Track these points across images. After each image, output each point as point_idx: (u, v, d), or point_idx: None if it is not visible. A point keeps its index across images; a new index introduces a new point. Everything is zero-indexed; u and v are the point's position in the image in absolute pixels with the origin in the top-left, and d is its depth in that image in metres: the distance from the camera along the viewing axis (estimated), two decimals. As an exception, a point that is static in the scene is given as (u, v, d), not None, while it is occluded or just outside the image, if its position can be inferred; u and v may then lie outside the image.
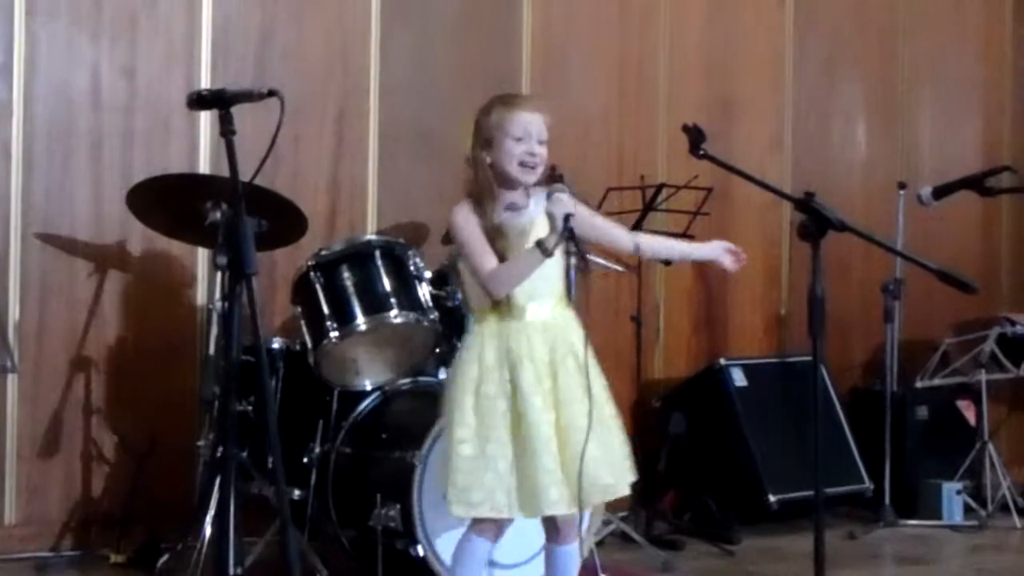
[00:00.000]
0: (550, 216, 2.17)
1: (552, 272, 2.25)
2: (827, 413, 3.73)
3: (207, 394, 2.78)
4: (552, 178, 2.27)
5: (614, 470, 2.22)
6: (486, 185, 2.22)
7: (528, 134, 2.21)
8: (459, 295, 2.87)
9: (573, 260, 2.27)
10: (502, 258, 2.19)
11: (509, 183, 2.23)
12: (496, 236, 2.20)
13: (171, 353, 3.28)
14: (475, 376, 2.20)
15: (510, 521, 2.25)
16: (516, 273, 2.19)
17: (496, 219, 2.21)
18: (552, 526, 2.26)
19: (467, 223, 2.21)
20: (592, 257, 3.48)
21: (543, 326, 2.23)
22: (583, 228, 2.22)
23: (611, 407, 2.27)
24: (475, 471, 2.16)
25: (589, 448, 2.16)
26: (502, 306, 2.22)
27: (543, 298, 2.25)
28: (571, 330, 2.26)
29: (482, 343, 2.22)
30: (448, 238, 3.21)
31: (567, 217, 2.14)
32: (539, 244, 2.16)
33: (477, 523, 2.24)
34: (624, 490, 2.27)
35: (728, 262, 2.39)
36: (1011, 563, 3.42)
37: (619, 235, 2.38)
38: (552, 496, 2.15)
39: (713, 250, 2.40)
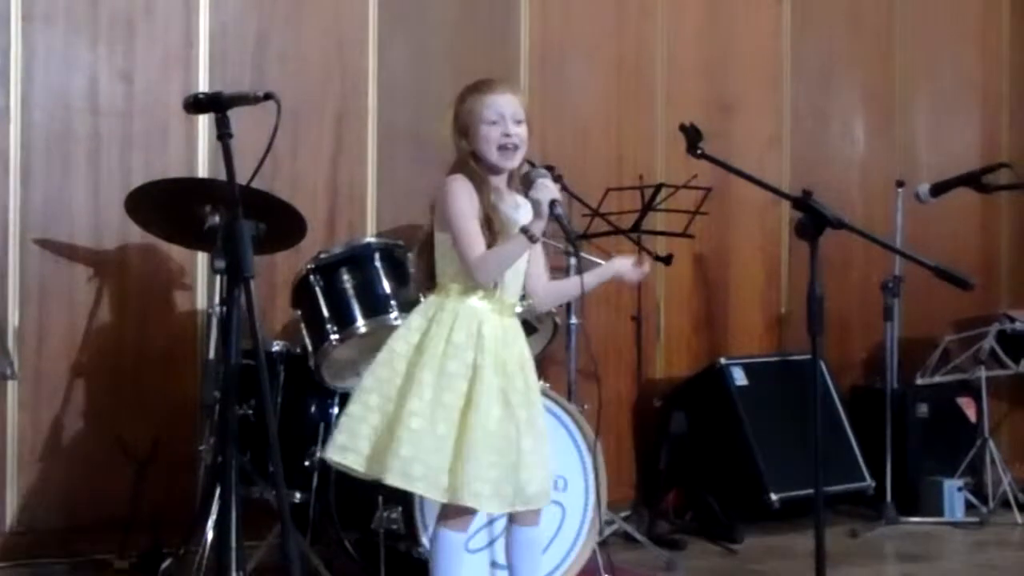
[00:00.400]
0: (534, 202, 2.15)
1: (522, 268, 2.24)
2: (828, 411, 3.73)
3: (208, 398, 2.78)
4: (531, 165, 2.24)
5: (540, 482, 2.21)
6: (475, 173, 2.21)
7: (501, 116, 2.20)
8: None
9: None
10: (490, 246, 2.17)
11: (491, 168, 2.22)
12: (490, 222, 2.18)
13: (171, 358, 3.28)
14: (440, 353, 2.16)
15: (473, 512, 2.21)
16: (503, 260, 2.17)
17: (495, 203, 2.18)
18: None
19: (462, 198, 2.17)
20: (592, 257, 3.50)
21: (511, 322, 2.24)
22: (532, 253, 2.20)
23: (543, 429, 2.26)
24: (423, 447, 2.12)
25: (526, 457, 2.16)
26: (483, 290, 2.20)
27: (514, 295, 2.25)
28: (522, 336, 2.26)
29: (453, 320, 2.18)
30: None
31: (552, 203, 2.13)
32: (524, 230, 2.14)
33: (442, 515, 2.23)
34: (543, 502, 2.24)
35: (630, 274, 2.34)
36: (1013, 559, 3.42)
37: (538, 275, 2.32)
38: (477, 488, 2.13)
39: (609, 268, 2.35)
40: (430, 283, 2.27)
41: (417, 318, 2.24)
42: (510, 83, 2.31)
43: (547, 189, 2.14)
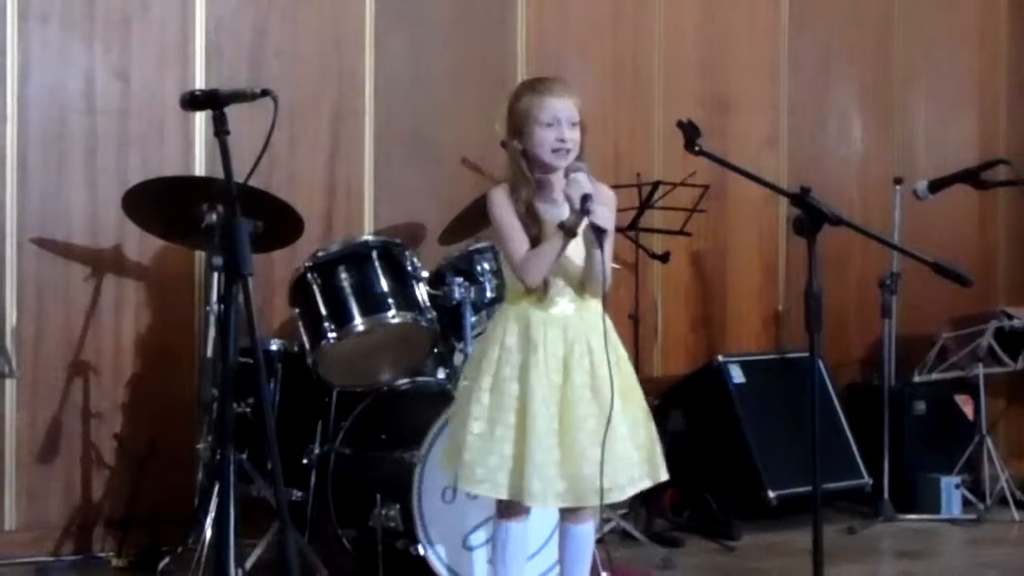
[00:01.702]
0: (568, 198, 2.17)
1: (573, 268, 2.26)
2: (825, 408, 3.73)
3: (206, 396, 2.78)
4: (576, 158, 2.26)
5: (610, 476, 2.19)
6: (519, 172, 2.24)
7: (557, 120, 2.21)
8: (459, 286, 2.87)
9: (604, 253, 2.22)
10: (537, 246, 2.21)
11: (544, 167, 2.25)
12: (533, 223, 2.21)
13: (169, 356, 3.28)
14: (495, 357, 2.23)
15: (528, 506, 2.26)
16: (543, 258, 2.20)
17: (536, 206, 2.22)
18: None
19: (501, 206, 2.23)
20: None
21: (565, 321, 2.24)
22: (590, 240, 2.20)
23: (631, 409, 2.25)
24: (482, 450, 2.20)
25: (589, 452, 2.17)
26: (534, 293, 2.24)
27: (567, 294, 2.26)
28: (594, 333, 2.24)
29: (506, 325, 2.25)
30: (446, 237, 3.22)
31: (585, 197, 2.14)
32: (560, 226, 2.18)
33: (498, 509, 2.29)
34: (618, 496, 2.24)
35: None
36: (1009, 556, 3.43)
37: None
38: (534, 488, 2.17)
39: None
40: (503, 287, 2.39)
41: (488, 328, 2.35)
42: (567, 85, 2.31)
43: (579, 185, 2.17)
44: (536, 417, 2.18)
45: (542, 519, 2.48)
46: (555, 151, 2.21)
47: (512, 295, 2.29)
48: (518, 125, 2.23)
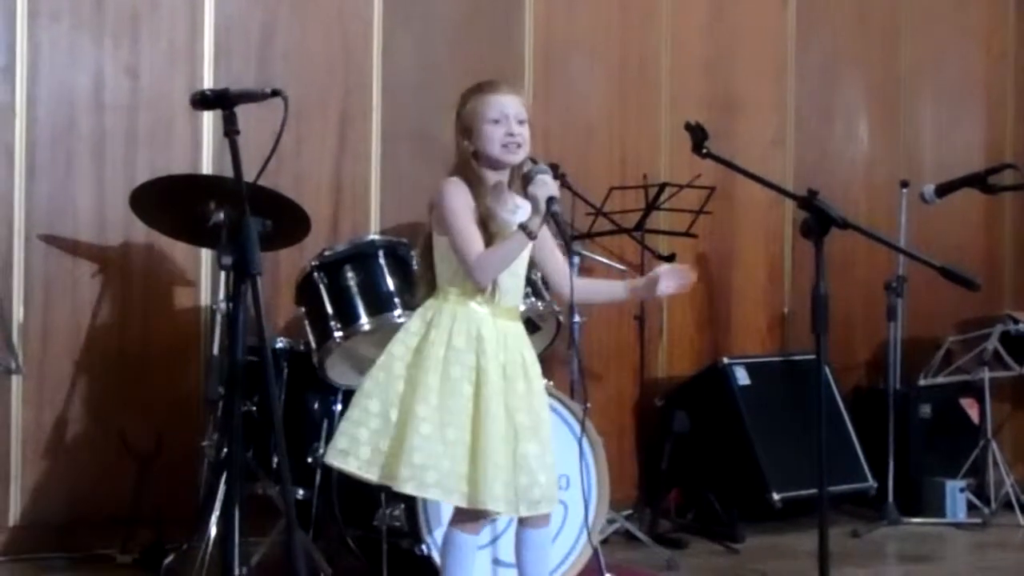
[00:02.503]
0: (532, 198, 2.15)
1: (521, 271, 2.25)
2: (830, 411, 3.73)
3: (212, 394, 2.78)
4: (532, 161, 2.24)
5: (545, 487, 2.21)
6: (473, 174, 2.22)
7: (505, 116, 2.21)
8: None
9: (575, 260, 2.25)
10: (488, 245, 2.17)
11: (494, 164, 2.23)
12: (486, 222, 2.18)
13: (175, 354, 3.28)
14: (441, 356, 2.17)
15: (485, 514, 2.22)
16: (501, 257, 2.17)
17: (491, 206, 2.19)
18: None
19: (458, 198, 2.18)
20: (596, 256, 3.50)
21: (508, 328, 2.24)
22: (542, 250, 2.21)
23: (548, 428, 2.27)
24: (434, 453, 2.13)
25: (531, 461, 2.17)
26: (486, 293, 2.20)
27: (513, 298, 2.26)
28: (525, 344, 2.26)
29: (451, 324, 2.19)
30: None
31: (550, 200, 2.13)
32: (522, 227, 2.15)
33: (455, 517, 2.24)
34: (548, 508, 2.25)
35: (667, 287, 2.33)
36: (1014, 561, 3.42)
37: (557, 270, 2.32)
38: (496, 491, 2.14)
39: (648, 285, 2.33)
40: (432, 287, 2.28)
41: (415, 322, 2.25)
42: (513, 84, 2.32)
43: (545, 186, 2.15)
44: (495, 420, 2.15)
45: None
46: (504, 146, 2.19)
47: (454, 293, 2.21)
48: (467, 126, 2.22)
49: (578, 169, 3.48)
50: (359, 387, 2.26)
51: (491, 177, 2.23)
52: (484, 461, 2.14)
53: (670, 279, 2.33)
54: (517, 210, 2.23)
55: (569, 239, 2.15)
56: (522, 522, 2.28)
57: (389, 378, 2.20)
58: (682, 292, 2.37)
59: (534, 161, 2.24)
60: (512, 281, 2.24)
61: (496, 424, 2.16)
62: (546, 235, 2.24)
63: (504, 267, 2.19)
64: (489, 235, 2.18)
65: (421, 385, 2.16)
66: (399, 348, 2.23)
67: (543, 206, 2.12)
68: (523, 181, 2.20)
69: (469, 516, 2.22)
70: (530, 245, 2.18)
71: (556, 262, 2.33)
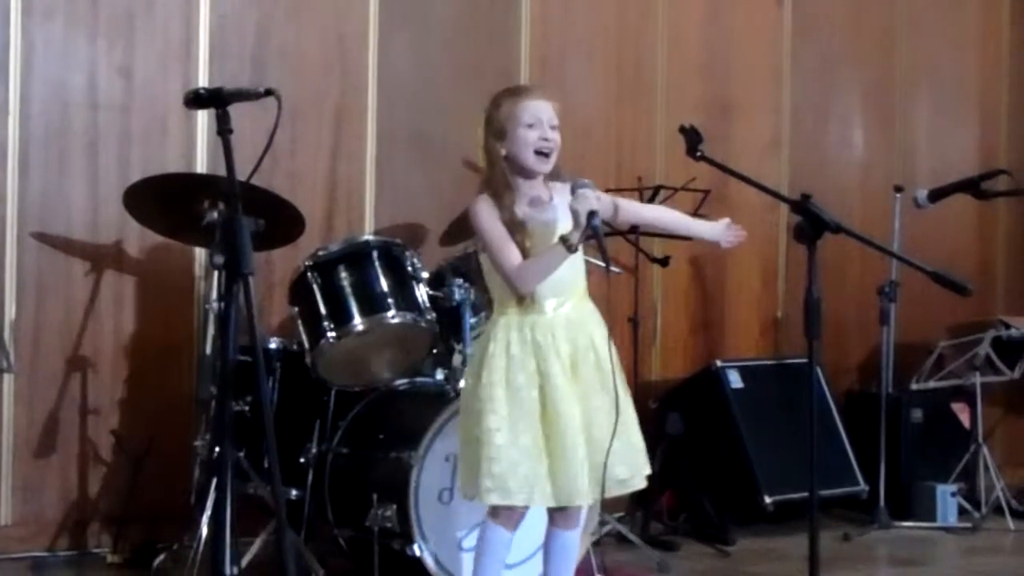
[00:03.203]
0: (574, 212, 2.18)
1: (573, 268, 2.26)
2: (823, 415, 3.73)
3: (204, 394, 2.78)
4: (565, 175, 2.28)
5: (630, 465, 2.27)
6: (502, 178, 2.25)
7: (539, 120, 2.23)
8: (456, 289, 2.87)
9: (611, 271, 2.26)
10: (524, 253, 2.21)
11: (526, 173, 2.25)
12: (517, 230, 2.22)
13: (168, 353, 3.28)
14: (503, 367, 2.22)
15: (524, 510, 2.28)
16: (541, 269, 2.21)
17: (519, 213, 2.23)
18: (560, 512, 2.30)
19: (488, 216, 2.23)
20: (589, 258, 3.50)
21: (565, 321, 2.26)
22: (626, 216, 2.30)
23: (630, 402, 2.31)
24: (511, 460, 2.19)
25: (612, 444, 2.20)
26: (526, 300, 2.24)
27: (564, 294, 2.28)
28: (593, 325, 2.29)
29: (507, 335, 2.24)
30: (447, 238, 3.22)
31: (591, 214, 2.16)
32: (563, 240, 2.18)
33: (493, 513, 2.27)
34: (640, 483, 2.31)
35: (726, 239, 2.44)
36: (1004, 565, 3.43)
37: (642, 211, 2.48)
38: (581, 486, 2.19)
39: (713, 230, 2.45)
40: (482, 299, 2.42)
41: (478, 345, 2.33)
42: (547, 89, 2.35)
43: (587, 200, 2.17)
44: (566, 419, 2.19)
45: (528, 530, 2.46)
46: (538, 152, 2.23)
47: (502, 306, 2.28)
48: (500, 129, 2.24)
49: (573, 171, 3.43)
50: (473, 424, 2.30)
51: (521, 184, 2.25)
52: (564, 460, 2.19)
53: (731, 232, 2.42)
54: (550, 207, 2.25)
55: (607, 255, 2.18)
56: (553, 521, 2.32)
57: (468, 404, 2.29)
58: (735, 245, 2.45)
59: (578, 180, 2.25)
60: (565, 279, 2.25)
61: (570, 422, 2.20)
62: (616, 207, 2.32)
63: (544, 277, 2.23)
64: (519, 246, 2.21)
65: (488, 398, 2.22)
66: (468, 370, 2.34)
67: (584, 220, 2.16)
68: (570, 193, 2.22)
69: (507, 513, 2.25)
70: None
71: (634, 212, 2.42)
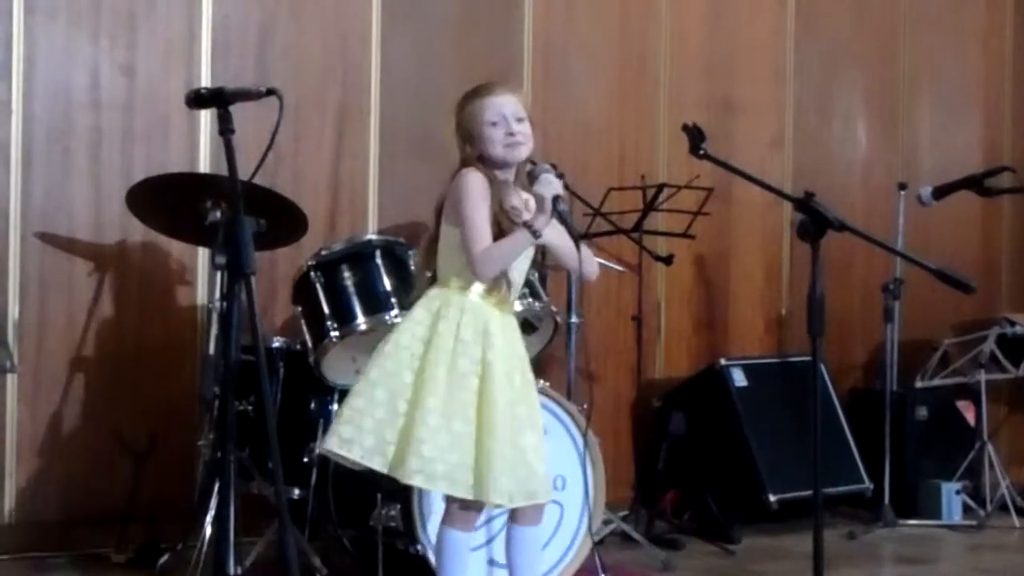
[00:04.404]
0: (538, 197, 2.16)
1: (522, 276, 2.27)
2: (827, 413, 3.73)
3: (207, 394, 2.78)
4: (532, 162, 2.26)
5: (543, 479, 2.23)
6: (485, 173, 2.22)
7: (502, 116, 2.21)
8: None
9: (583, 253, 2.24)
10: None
11: (500, 165, 2.24)
12: (502, 219, 2.19)
13: (171, 353, 3.28)
14: (450, 349, 2.17)
15: (479, 510, 2.23)
16: (505, 253, 2.18)
17: (507, 203, 2.20)
18: (517, 508, 2.25)
19: (477, 191, 2.18)
20: (596, 258, 3.49)
21: (511, 321, 2.26)
22: (552, 228, 2.21)
23: (541, 424, 2.28)
24: (440, 444, 2.14)
25: (531, 452, 2.19)
26: (498, 289, 2.21)
27: (515, 296, 2.28)
28: (518, 334, 2.28)
29: (460, 317, 2.19)
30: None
31: (555, 198, 2.14)
32: (527, 225, 2.15)
33: (448, 515, 2.24)
34: (546, 499, 2.26)
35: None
36: (1010, 563, 3.42)
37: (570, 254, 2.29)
38: (501, 484, 2.15)
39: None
40: (427, 270, 2.28)
41: (420, 311, 2.23)
42: (508, 83, 2.33)
43: (551, 184, 2.15)
44: (500, 414, 2.16)
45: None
46: (506, 145, 2.21)
47: (458, 285, 2.20)
48: (467, 132, 2.23)
49: (576, 169, 3.47)
50: (363, 375, 2.24)
51: (499, 176, 2.24)
52: (489, 454, 2.15)
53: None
54: (526, 205, 2.24)
55: (576, 235, 2.15)
56: (514, 519, 2.28)
57: (398, 367, 2.19)
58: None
59: (534, 163, 2.24)
60: (518, 276, 2.26)
61: (502, 418, 2.17)
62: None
63: (507, 263, 2.19)
64: (502, 232, 2.18)
65: (430, 378, 2.16)
66: (405, 336, 2.22)
67: (549, 205, 2.14)
68: (528, 180, 2.21)
69: (462, 513, 2.22)
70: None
71: (565, 240, 2.28)
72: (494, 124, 2.21)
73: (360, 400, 2.20)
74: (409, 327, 2.23)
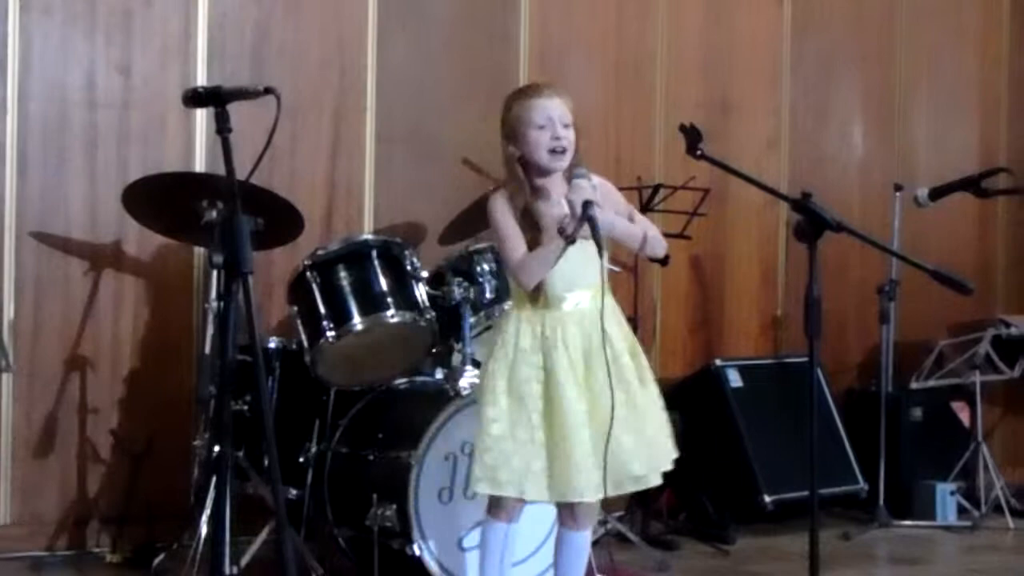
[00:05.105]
0: (569, 203, 2.18)
1: (584, 261, 2.24)
2: (822, 414, 3.73)
3: (203, 393, 2.77)
4: (575, 163, 2.28)
5: (643, 462, 2.25)
6: (517, 178, 2.26)
7: (550, 120, 2.23)
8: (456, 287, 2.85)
9: (605, 263, 2.25)
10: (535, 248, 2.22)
11: (541, 171, 2.26)
12: (528, 227, 2.22)
13: (167, 352, 3.27)
14: (509, 359, 2.24)
15: (521, 502, 2.27)
16: (540, 262, 2.21)
17: (532, 209, 2.23)
18: (568, 511, 2.30)
19: (502, 211, 2.24)
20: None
21: (580, 315, 2.26)
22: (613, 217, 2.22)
23: (651, 393, 2.29)
24: (504, 452, 2.20)
25: (622, 439, 2.20)
26: (539, 295, 2.25)
27: (581, 288, 2.27)
28: (610, 319, 2.27)
29: (518, 328, 2.26)
30: (446, 238, 3.22)
31: (587, 204, 2.15)
32: (560, 231, 2.18)
33: (493, 508, 2.28)
34: (655, 480, 2.30)
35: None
36: (1004, 563, 3.43)
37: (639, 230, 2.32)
38: (579, 483, 2.19)
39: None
40: (505, 293, 2.42)
41: (492, 335, 2.36)
42: (556, 87, 2.33)
43: (581, 190, 2.17)
44: (569, 415, 2.19)
45: (534, 525, 2.47)
46: (551, 151, 2.23)
47: (517, 300, 2.31)
48: (513, 132, 2.25)
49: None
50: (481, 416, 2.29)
51: (539, 182, 2.26)
52: (564, 456, 2.18)
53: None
54: (557, 205, 2.24)
55: (602, 243, 2.17)
56: (561, 521, 2.32)
57: (482, 396, 2.29)
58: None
59: (577, 165, 2.25)
60: (580, 273, 2.24)
61: (574, 418, 2.19)
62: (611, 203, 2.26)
63: (545, 270, 2.22)
64: (530, 239, 2.22)
65: (491, 390, 2.23)
66: (483, 365, 2.33)
67: (579, 210, 2.15)
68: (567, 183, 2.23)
69: (506, 504, 2.26)
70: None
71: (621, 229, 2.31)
72: (541, 127, 2.23)
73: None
74: (487, 357, 2.32)
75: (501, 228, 2.24)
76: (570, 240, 2.17)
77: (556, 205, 2.24)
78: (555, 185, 2.26)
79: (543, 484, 2.21)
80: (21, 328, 3.15)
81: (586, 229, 2.16)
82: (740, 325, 4.09)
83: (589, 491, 2.21)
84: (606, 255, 2.21)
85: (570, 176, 2.23)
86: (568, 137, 2.24)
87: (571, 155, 2.25)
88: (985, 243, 4.52)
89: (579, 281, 2.26)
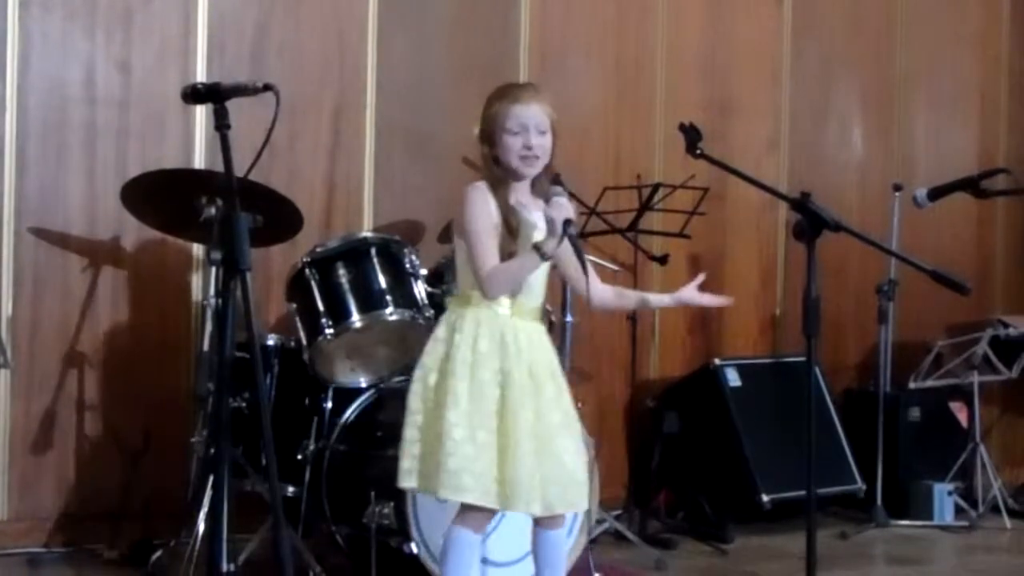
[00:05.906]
0: (548, 220, 2.16)
1: (544, 278, 2.26)
2: (820, 413, 3.74)
3: (201, 390, 2.77)
4: (554, 181, 2.25)
5: (580, 486, 2.24)
6: (494, 176, 2.23)
7: (524, 127, 2.20)
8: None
9: (590, 278, 2.24)
10: (507, 252, 2.18)
11: (513, 174, 2.24)
12: (511, 219, 2.19)
13: (165, 349, 3.27)
14: (469, 361, 2.18)
15: (493, 513, 2.24)
16: (513, 275, 2.19)
17: (513, 205, 2.20)
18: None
19: (479, 205, 2.18)
20: (588, 256, 3.50)
21: (533, 327, 2.25)
22: (563, 253, 2.20)
23: (573, 434, 2.26)
24: (467, 456, 2.15)
25: (571, 459, 2.19)
26: (510, 298, 2.21)
27: (537, 298, 2.27)
28: (546, 341, 2.28)
29: (476, 328, 2.20)
30: (445, 235, 3.21)
31: (567, 222, 2.14)
32: (536, 247, 2.16)
33: (461, 515, 2.24)
34: (582, 506, 2.27)
35: (706, 300, 2.37)
36: (1001, 564, 3.43)
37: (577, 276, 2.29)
38: (527, 493, 2.16)
39: (675, 298, 2.37)
40: (453, 286, 2.33)
41: (442, 328, 2.26)
42: (537, 91, 2.30)
43: (562, 208, 2.15)
44: (521, 424, 2.17)
45: (523, 529, 2.45)
46: (522, 158, 2.20)
47: (476, 296, 2.21)
48: (489, 131, 2.23)
49: (572, 169, 3.42)
50: (407, 405, 2.26)
51: (511, 185, 2.24)
52: (514, 464, 2.16)
53: (705, 298, 2.36)
54: (535, 214, 2.22)
55: (584, 261, 2.16)
56: (539, 522, 2.29)
57: (424, 389, 2.23)
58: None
59: (556, 180, 2.23)
60: (537, 282, 2.25)
61: (524, 427, 2.17)
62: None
63: (515, 284, 2.20)
64: (511, 233, 2.19)
65: (450, 391, 2.18)
66: (429, 358, 2.25)
67: (559, 228, 2.13)
68: (544, 200, 2.20)
69: (476, 514, 2.22)
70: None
71: (576, 266, 2.28)
72: (515, 133, 2.20)
73: (409, 431, 2.24)
74: (431, 347, 2.25)
75: (475, 227, 2.16)
76: (545, 257, 2.15)
77: (533, 215, 2.20)
78: (522, 193, 2.23)
79: (494, 491, 2.16)
80: (19, 324, 3.15)
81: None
82: (739, 324, 4.09)
83: (537, 505, 2.17)
84: (591, 271, 2.20)
85: (546, 191, 2.20)
86: (543, 144, 2.21)
87: (544, 162, 2.22)
88: (984, 244, 4.52)
89: (537, 296, 2.26)
